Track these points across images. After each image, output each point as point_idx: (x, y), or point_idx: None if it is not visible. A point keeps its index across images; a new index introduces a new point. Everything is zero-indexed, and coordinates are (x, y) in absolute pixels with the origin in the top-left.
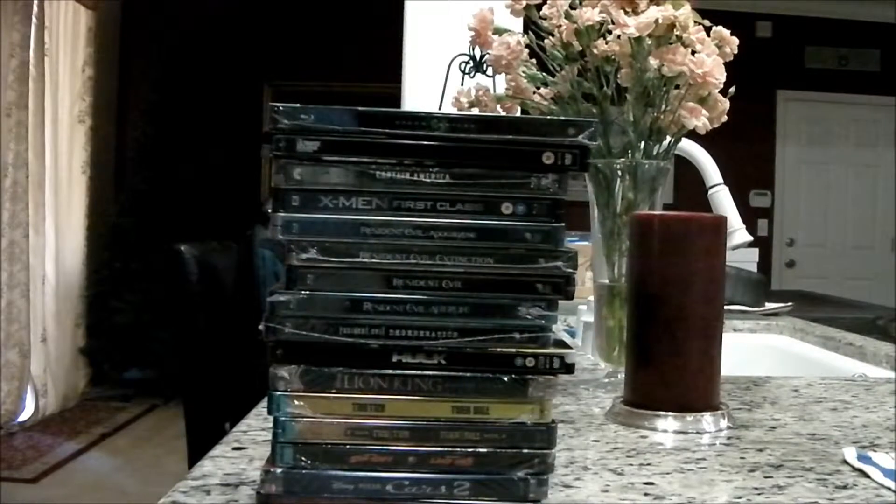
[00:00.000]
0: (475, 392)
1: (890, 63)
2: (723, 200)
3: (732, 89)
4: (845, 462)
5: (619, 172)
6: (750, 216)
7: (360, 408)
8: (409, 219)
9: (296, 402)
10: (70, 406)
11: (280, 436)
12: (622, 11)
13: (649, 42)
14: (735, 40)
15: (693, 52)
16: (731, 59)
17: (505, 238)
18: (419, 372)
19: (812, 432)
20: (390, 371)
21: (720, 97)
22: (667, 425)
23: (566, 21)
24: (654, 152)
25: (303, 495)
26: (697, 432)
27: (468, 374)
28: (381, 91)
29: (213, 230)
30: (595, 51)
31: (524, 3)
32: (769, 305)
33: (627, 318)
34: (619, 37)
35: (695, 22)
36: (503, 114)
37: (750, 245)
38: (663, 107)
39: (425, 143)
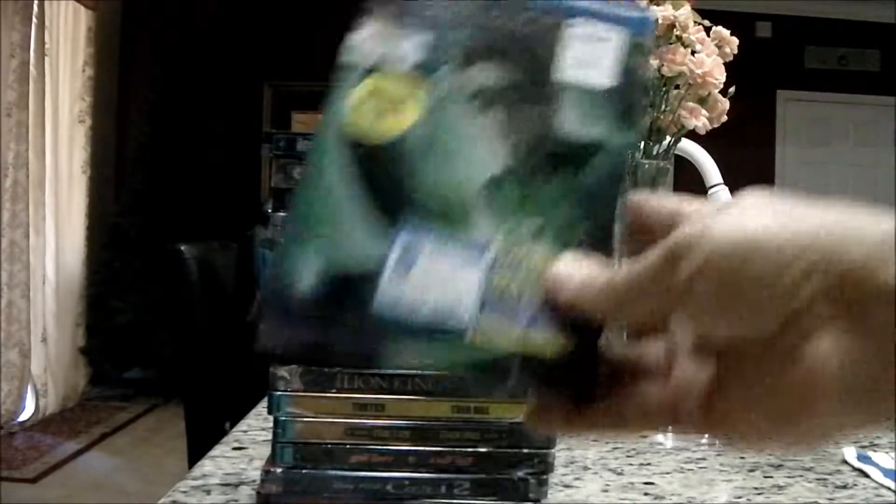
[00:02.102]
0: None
1: (890, 63)
2: (723, 200)
3: (732, 89)
4: (845, 462)
5: None
6: None
7: (360, 408)
8: None
9: (296, 402)
10: (70, 406)
11: (280, 436)
12: None
13: None
14: (735, 40)
15: (693, 52)
16: (731, 59)
17: None
18: (419, 371)
19: None
20: (390, 371)
21: (720, 97)
22: None
23: None
24: (654, 152)
25: (303, 495)
26: None
27: None
28: None
29: (213, 230)
30: None
31: None
32: None
33: None
34: None
35: (695, 22)
36: None
37: None
38: (663, 107)
39: None
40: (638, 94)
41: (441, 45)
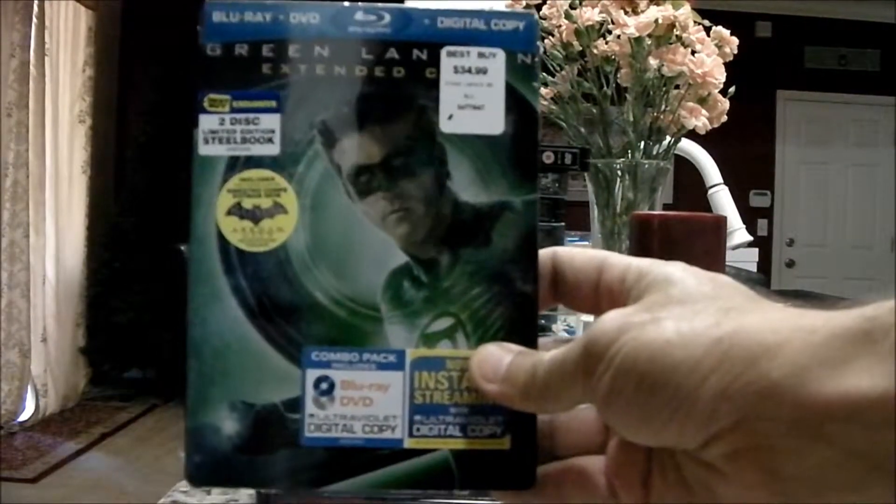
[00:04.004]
0: None
1: (890, 63)
2: (722, 200)
3: (732, 89)
4: None
5: (619, 172)
6: (750, 216)
7: None
8: None
9: None
10: (70, 406)
11: None
12: (622, 11)
13: (649, 42)
14: (735, 40)
15: (693, 52)
16: (731, 59)
17: None
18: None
19: None
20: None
21: (720, 97)
22: None
23: (566, 21)
24: (654, 152)
25: (304, 494)
26: None
27: None
28: None
29: None
30: (595, 51)
31: (524, 3)
32: None
33: None
34: (618, 37)
35: (694, 22)
36: None
37: (749, 245)
38: (663, 107)
39: None
40: (533, 132)
41: (295, 127)
